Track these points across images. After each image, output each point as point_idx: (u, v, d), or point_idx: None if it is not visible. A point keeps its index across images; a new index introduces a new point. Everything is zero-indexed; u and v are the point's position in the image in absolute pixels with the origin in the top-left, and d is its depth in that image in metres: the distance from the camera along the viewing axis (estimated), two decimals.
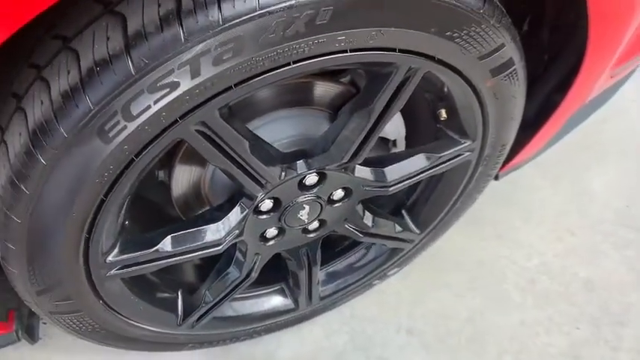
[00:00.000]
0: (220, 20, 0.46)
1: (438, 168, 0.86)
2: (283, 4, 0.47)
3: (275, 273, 1.02)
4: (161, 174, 0.82)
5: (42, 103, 0.49)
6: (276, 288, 1.05)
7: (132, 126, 0.50)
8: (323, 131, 0.79)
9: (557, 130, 1.03)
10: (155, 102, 0.50)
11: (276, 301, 1.06)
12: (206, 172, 0.82)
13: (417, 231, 1.04)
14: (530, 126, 0.98)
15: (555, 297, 1.25)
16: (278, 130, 0.77)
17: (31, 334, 0.93)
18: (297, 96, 0.79)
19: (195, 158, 0.79)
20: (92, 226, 0.60)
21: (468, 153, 0.86)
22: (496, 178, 1.13)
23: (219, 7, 0.46)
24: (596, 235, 1.35)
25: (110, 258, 0.68)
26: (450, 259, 1.29)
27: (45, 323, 1.00)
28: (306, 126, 0.81)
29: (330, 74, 0.79)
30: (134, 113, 0.49)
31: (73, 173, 0.52)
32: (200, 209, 0.88)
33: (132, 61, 0.46)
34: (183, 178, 0.82)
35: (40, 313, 0.71)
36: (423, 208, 1.02)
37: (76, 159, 0.51)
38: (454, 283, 1.25)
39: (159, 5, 0.46)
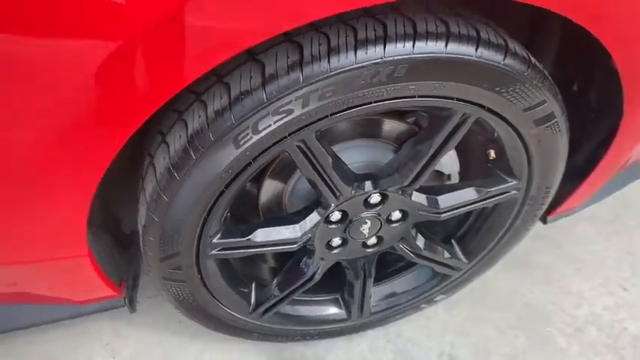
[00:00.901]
0: (328, 70, 0.67)
1: (485, 202, 1.00)
2: (373, 61, 0.67)
3: (334, 283, 1.17)
4: (249, 185, 1.03)
5: (199, 116, 0.71)
6: (332, 297, 1.20)
7: (256, 137, 0.71)
8: (387, 160, 0.96)
9: (603, 182, 1.11)
10: (275, 122, 0.70)
11: (331, 309, 1.20)
12: (287, 186, 1.01)
13: (465, 260, 1.15)
14: (578, 175, 1.09)
15: (602, 348, 1.27)
16: (353, 154, 0.95)
17: (131, 304, 1.14)
18: (370, 129, 0.98)
19: (281, 175, 0.99)
20: (210, 210, 0.81)
21: (514, 191, 0.99)
22: (545, 221, 1.22)
23: (329, 61, 0.66)
24: None
25: (214, 240, 0.88)
26: (499, 296, 1.37)
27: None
28: (374, 154, 0.99)
29: (399, 114, 0.97)
30: (259, 129, 0.70)
31: (209, 167, 0.74)
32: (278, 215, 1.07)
33: (265, 93, 0.68)
34: (269, 189, 1.02)
35: (156, 276, 0.91)
36: (472, 239, 1.14)
37: (214, 157, 0.73)
38: (500, 320, 1.32)
39: (287, 57, 0.68)
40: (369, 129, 0.96)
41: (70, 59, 0.56)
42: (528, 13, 0.97)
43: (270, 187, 1.02)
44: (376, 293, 1.20)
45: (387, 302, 1.21)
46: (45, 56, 0.56)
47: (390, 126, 0.98)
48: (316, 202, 0.94)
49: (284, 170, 0.98)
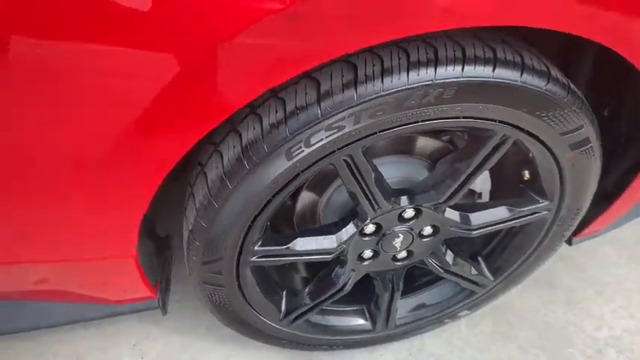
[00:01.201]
0: (382, 90, 0.70)
1: (516, 221, 1.02)
2: (424, 83, 0.71)
3: (361, 294, 1.20)
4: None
5: (254, 128, 0.75)
6: (358, 308, 1.22)
7: (307, 150, 0.75)
8: (420, 176, 0.99)
9: (629, 207, 1.13)
10: (327, 137, 0.74)
11: (357, 319, 1.22)
12: (322, 198, 1.05)
13: (491, 278, 1.17)
14: (606, 199, 1.11)
15: None
16: (388, 170, 0.98)
17: (164, 306, 1.17)
18: (405, 146, 1.01)
19: (317, 188, 1.02)
20: (256, 218, 0.84)
21: (544, 212, 1.01)
22: (570, 243, 1.24)
23: (382, 81, 0.70)
24: None
25: (256, 247, 0.91)
26: (521, 315, 1.38)
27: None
28: (408, 170, 1.02)
29: (434, 132, 1.01)
30: (312, 142, 0.74)
31: (260, 177, 0.77)
32: (311, 226, 1.10)
33: (320, 109, 0.71)
34: (304, 201, 1.06)
35: (196, 279, 0.95)
36: (499, 257, 1.16)
37: (266, 168, 0.76)
38: (521, 338, 1.33)
39: (342, 76, 0.72)
40: (403, 145, 1.00)
41: (149, 72, 0.61)
42: (561, 38, 1.01)
43: (305, 199, 1.05)
44: (402, 306, 1.22)
45: (412, 315, 1.23)
46: (126, 64, 0.60)
47: (424, 143, 1.02)
48: (352, 215, 0.97)
49: (320, 183, 1.01)
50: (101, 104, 0.62)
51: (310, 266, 1.19)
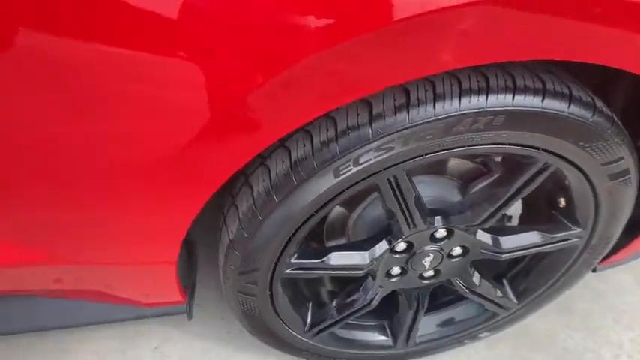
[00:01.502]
0: (433, 115, 0.72)
1: (547, 247, 1.03)
2: (475, 110, 0.72)
3: (383, 310, 1.20)
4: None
5: (304, 145, 0.77)
6: (380, 323, 1.23)
7: (355, 169, 0.77)
8: (451, 196, 1.00)
9: None
10: (375, 157, 0.76)
11: (378, 335, 1.23)
12: (353, 215, 1.06)
13: (515, 301, 1.17)
14: (634, 228, 1.12)
15: None
16: (422, 189, 1.00)
17: (190, 311, 1.18)
18: (439, 167, 1.02)
19: (350, 204, 1.04)
20: (296, 231, 0.85)
21: (576, 239, 1.02)
22: (594, 270, 1.25)
23: (434, 106, 0.72)
24: None
25: (292, 260, 0.92)
26: (539, 338, 1.38)
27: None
28: (440, 190, 1.03)
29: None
30: (360, 162, 0.76)
31: (307, 193, 0.79)
32: (340, 241, 1.11)
33: (372, 130, 0.73)
34: (336, 216, 1.07)
35: (229, 288, 0.96)
36: (524, 280, 1.16)
37: (313, 184, 0.78)
38: None
39: (394, 99, 0.73)
40: (436, 165, 1.01)
41: (219, 91, 0.62)
42: (599, 68, 1.02)
43: (336, 214, 1.06)
44: (423, 324, 1.22)
45: (433, 334, 1.24)
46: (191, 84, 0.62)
47: (457, 164, 1.03)
48: (385, 232, 0.98)
49: (353, 199, 1.03)
50: (167, 116, 0.64)
51: (336, 280, 1.20)
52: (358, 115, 0.74)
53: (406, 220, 0.91)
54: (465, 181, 1.03)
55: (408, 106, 0.72)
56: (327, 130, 0.76)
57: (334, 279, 1.21)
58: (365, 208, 1.03)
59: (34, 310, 1.06)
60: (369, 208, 1.02)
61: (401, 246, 0.99)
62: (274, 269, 0.92)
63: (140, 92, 0.61)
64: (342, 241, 1.07)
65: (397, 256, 1.01)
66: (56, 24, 0.55)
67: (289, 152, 0.79)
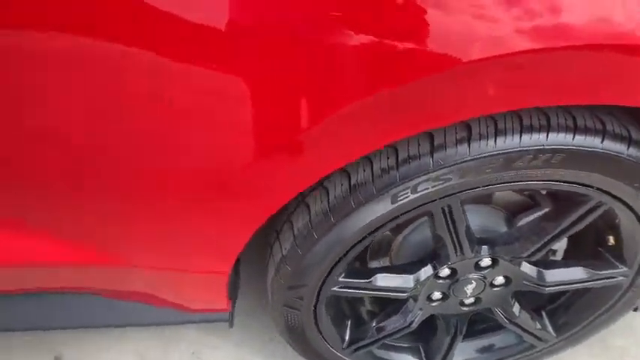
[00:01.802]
0: (494, 148, 0.75)
1: (591, 283, 1.03)
2: (535, 147, 0.75)
3: (419, 332, 1.21)
4: None
5: (364, 170, 0.81)
6: (414, 345, 1.24)
7: (412, 197, 0.80)
8: (497, 226, 1.02)
9: None
10: (433, 186, 0.79)
11: (411, 357, 1.24)
12: (397, 238, 1.08)
13: (554, 334, 1.17)
14: None
15: None
16: (471, 218, 1.02)
17: (232, 319, 1.22)
18: (487, 197, 1.04)
19: (396, 227, 1.06)
20: (348, 251, 0.89)
21: (621, 277, 1.02)
22: (635, 309, 1.23)
23: (495, 141, 0.75)
24: None
25: (340, 278, 0.95)
26: None
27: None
28: (486, 219, 1.05)
29: None
30: (418, 190, 0.79)
31: (363, 216, 0.82)
32: (382, 262, 1.13)
33: (432, 161, 0.76)
34: (381, 236, 1.09)
35: (275, 302, 0.99)
36: (564, 315, 1.16)
37: (371, 208, 0.81)
38: None
39: (456, 132, 0.77)
40: (484, 195, 1.03)
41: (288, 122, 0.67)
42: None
43: (381, 235, 1.09)
44: (459, 349, 1.23)
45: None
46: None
47: (502, 194, 1.05)
48: (431, 257, 1.00)
49: (400, 223, 1.05)
50: (246, 136, 0.68)
51: (376, 300, 1.22)
52: (419, 145, 0.77)
53: (454, 247, 0.93)
54: (511, 212, 1.04)
55: (469, 139, 0.75)
56: (388, 157, 0.79)
57: (374, 299, 1.23)
58: (411, 232, 1.06)
59: (85, 308, 1.12)
60: (415, 232, 1.05)
61: (445, 272, 1.01)
62: (322, 286, 0.95)
63: (230, 114, 0.66)
64: (385, 262, 1.09)
65: (440, 281, 1.03)
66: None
67: (349, 176, 0.82)
